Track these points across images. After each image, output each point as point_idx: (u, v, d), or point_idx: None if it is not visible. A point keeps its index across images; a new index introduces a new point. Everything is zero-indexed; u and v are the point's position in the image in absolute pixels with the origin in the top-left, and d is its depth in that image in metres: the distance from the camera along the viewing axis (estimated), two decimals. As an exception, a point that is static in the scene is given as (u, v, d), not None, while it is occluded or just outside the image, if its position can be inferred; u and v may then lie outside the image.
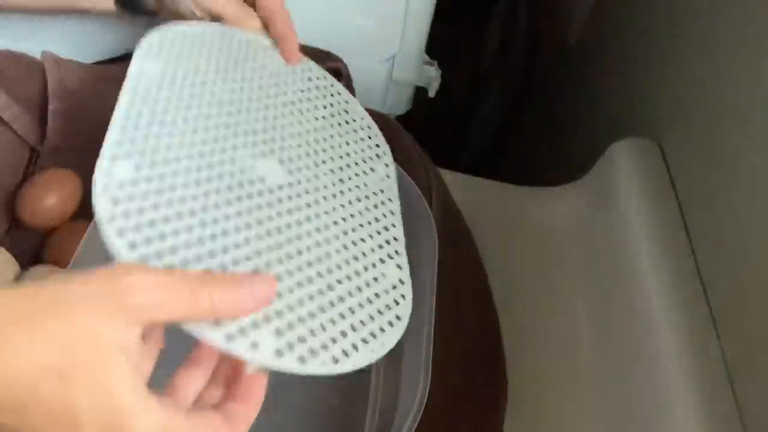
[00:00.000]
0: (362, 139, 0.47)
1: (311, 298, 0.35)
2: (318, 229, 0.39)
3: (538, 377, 0.57)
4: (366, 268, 0.39)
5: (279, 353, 0.32)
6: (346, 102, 0.49)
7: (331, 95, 0.49)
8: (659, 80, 0.69)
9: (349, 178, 0.44)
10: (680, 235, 0.57)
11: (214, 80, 0.43)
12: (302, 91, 0.47)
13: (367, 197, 0.43)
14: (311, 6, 0.66)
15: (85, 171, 0.58)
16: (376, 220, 0.43)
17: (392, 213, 0.44)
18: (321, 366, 0.33)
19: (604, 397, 0.54)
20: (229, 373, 0.34)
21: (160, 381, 0.32)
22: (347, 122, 0.48)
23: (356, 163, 0.45)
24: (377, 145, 0.48)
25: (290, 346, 0.33)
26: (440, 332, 0.45)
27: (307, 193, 0.41)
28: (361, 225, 0.41)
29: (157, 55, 0.42)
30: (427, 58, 0.77)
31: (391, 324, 0.37)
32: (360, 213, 0.42)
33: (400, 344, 0.37)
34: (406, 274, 0.41)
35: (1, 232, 0.54)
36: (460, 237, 0.62)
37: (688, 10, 0.65)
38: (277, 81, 0.46)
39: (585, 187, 0.68)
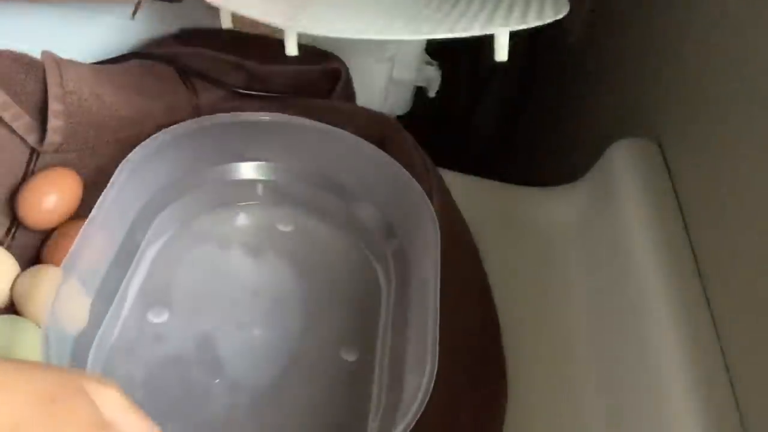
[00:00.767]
0: None
1: None
2: None
3: (539, 377, 0.57)
4: None
5: None
6: None
7: None
8: (659, 80, 0.69)
9: None
10: (680, 235, 0.57)
11: None
12: None
13: None
14: (311, 6, 0.66)
15: (85, 171, 0.58)
16: None
17: None
18: None
19: (604, 397, 0.54)
20: None
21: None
22: None
23: None
24: None
25: None
26: (440, 331, 0.45)
27: None
28: None
29: None
30: (427, 58, 0.77)
31: None
32: None
33: (403, 343, 0.37)
34: None
35: (1, 232, 0.54)
36: (461, 237, 0.62)
37: (687, 11, 0.65)
38: None
39: (585, 187, 0.68)
